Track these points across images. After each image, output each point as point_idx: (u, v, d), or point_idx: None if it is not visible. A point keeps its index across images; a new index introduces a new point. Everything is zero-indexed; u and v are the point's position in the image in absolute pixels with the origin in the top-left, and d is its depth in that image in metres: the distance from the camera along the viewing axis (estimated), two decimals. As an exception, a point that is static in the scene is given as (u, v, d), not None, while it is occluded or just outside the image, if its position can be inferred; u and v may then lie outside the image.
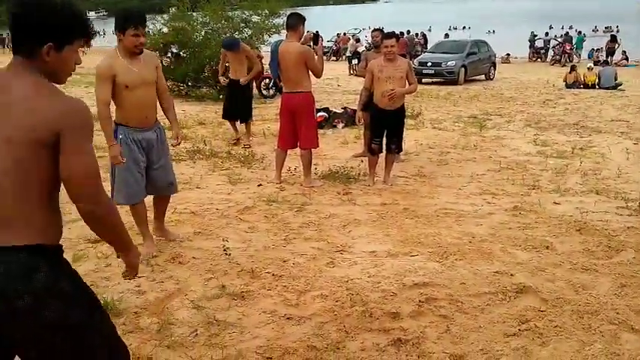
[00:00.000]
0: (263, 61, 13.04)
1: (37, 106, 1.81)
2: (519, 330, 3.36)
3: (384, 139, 6.68)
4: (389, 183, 6.71)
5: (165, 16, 15.88)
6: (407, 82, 6.50)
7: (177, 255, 4.51)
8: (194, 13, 16.00)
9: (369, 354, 3.11)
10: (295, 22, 6.29)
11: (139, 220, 4.56)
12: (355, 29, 39.89)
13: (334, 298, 3.77)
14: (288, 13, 8.06)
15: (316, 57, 6.30)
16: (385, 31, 7.37)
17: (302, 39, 6.41)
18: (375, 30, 8.33)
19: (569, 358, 3.09)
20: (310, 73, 6.30)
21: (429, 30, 46.19)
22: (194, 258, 4.46)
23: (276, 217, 5.51)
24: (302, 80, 6.29)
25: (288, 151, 6.80)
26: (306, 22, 6.37)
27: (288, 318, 3.52)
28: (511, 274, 4.14)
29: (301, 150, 6.58)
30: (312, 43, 6.64)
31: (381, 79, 6.38)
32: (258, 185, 6.61)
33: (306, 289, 3.93)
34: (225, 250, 4.54)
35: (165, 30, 15.39)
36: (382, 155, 6.74)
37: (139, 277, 4.05)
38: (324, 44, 33.69)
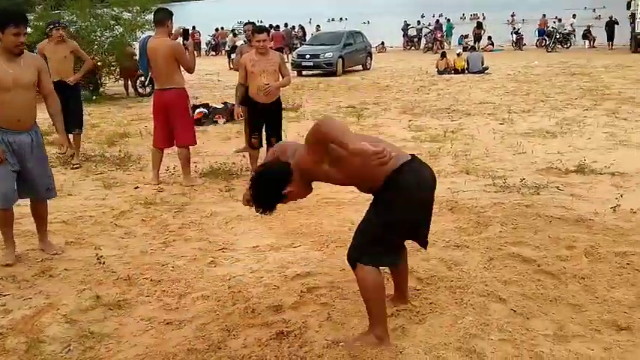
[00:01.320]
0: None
1: None
2: (397, 310, 3.45)
3: (264, 133, 6.67)
4: (271, 176, 6.69)
5: (29, 15, 14.92)
6: (280, 75, 6.52)
7: (47, 268, 4.24)
8: (61, 12, 15.19)
9: (251, 350, 3.08)
10: (162, 18, 6.12)
11: (4, 223, 4.31)
12: (239, 23, 39.65)
13: (216, 297, 3.70)
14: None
15: (187, 52, 6.18)
16: (257, 25, 7.34)
17: (172, 34, 6.26)
18: (247, 23, 8.28)
19: (443, 333, 3.22)
20: (182, 68, 6.17)
21: (309, 22, 46.74)
22: (66, 270, 4.22)
23: (155, 219, 5.34)
24: (174, 76, 6.15)
25: (168, 150, 6.62)
26: (174, 17, 6.22)
27: (167, 323, 3.41)
28: (389, 257, 4.26)
29: (178, 148, 6.42)
30: (182, 39, 6.50)
31: (255, 73, 6.35)
32: (135, 188, 6.37)
33: (187, 291, 3.83)
34: (99, 258, 4.33)
35: (29, 30, 14.47)
36: (264, 149, 6.72)
37: (5, 295, 3.81)
38: (201, 39, 32.59)
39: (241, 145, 8.12)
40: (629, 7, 27.40)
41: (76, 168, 7.26)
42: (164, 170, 6.78)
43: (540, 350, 3.03)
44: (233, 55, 22.79)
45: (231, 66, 23.00)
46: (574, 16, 35.25)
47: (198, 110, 10.58)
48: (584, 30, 31.42)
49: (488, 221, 5.00)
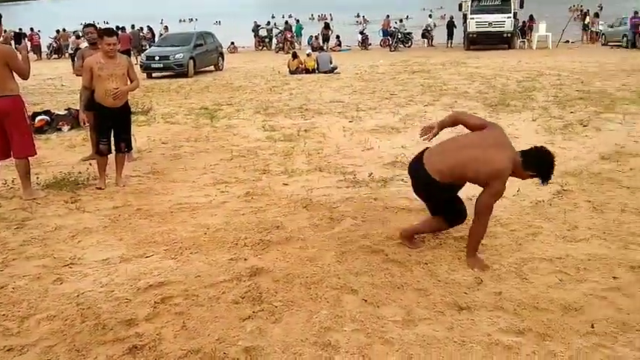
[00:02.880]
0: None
1: None
2: (254, 312, 3.49)
3: (113, 139, 6.40)
4: (121, 184, 6.45)
5: None
6: (129, 79, 6.32)
7: None
8: None
9: (103, 368, 2.96)
10: (-11, 20, 5.65)
11: None
12: (81, 24, 37.66)
13: (63, 316, 3.50)
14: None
15: (20, 57, 5.76)
16: (106, 28, 7.00)
17: (1, 38, 5.81)
18: (87, 25, 7.85)
19: (299, 330, 3.30)
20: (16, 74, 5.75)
21: (161, 22, 45.53)
22: None
23: (-8, 238, 4.92)
24: (6, 83, 5.70)
25: (5, 162, 6.14)
26: (2, 20, 5.77)
27: (8, 350, 3.17)
28: (245, 259, 4.28)
29: (16, 159, 5.97)
30: (13, 43, 6.06)
31: (103, 77, 6.09)
32: (-32, 205, 5.84)
33: (30, 313, 3.58)
34: None
35: None
36: (113, 156, 6.45)
37: None
38: (41, 41, 30.67)
39: (88, 152, 7.73)
40: (460, 8, 29.77)
41: None
42: (1, 184, 6.29)
43: (390, 336, 3.22)
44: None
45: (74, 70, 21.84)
46: (430, 15, 38.10)
47: (39, 118, 9.91)
48: (423, 30, 33.59)
49: (341, 216, 5.18)
